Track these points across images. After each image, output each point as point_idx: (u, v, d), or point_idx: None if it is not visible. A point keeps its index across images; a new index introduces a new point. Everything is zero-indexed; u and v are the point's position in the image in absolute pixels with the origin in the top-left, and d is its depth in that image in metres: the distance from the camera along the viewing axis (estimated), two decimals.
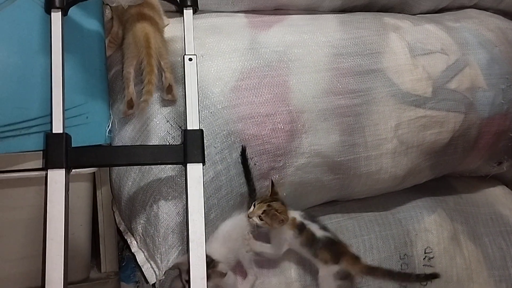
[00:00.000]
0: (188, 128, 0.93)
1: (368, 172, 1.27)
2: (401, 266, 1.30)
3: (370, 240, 1.30)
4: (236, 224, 1.10)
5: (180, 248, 0.96)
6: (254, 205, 1.08)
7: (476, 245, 1.44)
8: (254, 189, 1.11)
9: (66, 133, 0.89)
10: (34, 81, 0.96)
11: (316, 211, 1.33)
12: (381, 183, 1.32)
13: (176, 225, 0.97)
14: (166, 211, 0.97)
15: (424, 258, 1.34)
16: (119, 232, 1.12)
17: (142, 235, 0.98)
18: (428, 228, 1.38)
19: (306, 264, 1.21)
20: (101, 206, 1.11)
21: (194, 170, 0.91)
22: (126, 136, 1.02)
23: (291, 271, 1.19)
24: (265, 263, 1.17)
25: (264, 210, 1.06)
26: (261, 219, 1.06)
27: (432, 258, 1.35)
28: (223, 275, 1.02)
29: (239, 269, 1.12)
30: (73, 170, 0.94)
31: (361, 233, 1.31)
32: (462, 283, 1.36)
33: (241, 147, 1.08)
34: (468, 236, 1.45)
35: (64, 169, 0.86)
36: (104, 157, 0.90)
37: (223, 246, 1.06)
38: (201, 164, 0.91)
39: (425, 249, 1.34)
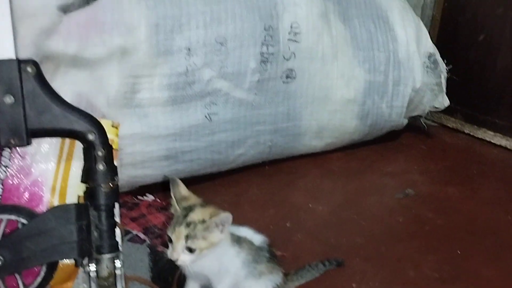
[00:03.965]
0: None
1: None
2: (265, 37, 1.23)
3: (234, 8, 1.19)
4: None
5: None
6: (171, 239, 0.73)
7: (346, 26, 1.40)
8: None
9: None
10: None
11: None
12: None
13: None
14: None
15: (289, 33, 1.27)
16: None
17: None
18: (297, 2, 1.29)
19: (162, 20, 1.08)
20: None
21: None
22: None
23: (141, 30, 1.06)
24: (100, 21, 1.02)
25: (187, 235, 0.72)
26: (191, 250, 0.71)
27: (299, 33, 1.29)
28: None
29: None
30: None
31: (224, 0, 1.19)
32: (326, 60, 1.34)
33: None
34: (338, 16, 1.40)
35: None
36: None
37: None
38: None
39: (292, 23, 1.27)
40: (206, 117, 1.17)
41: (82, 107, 0.90)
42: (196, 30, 1.14)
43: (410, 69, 1.49)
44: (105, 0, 1.05)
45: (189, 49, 1.12)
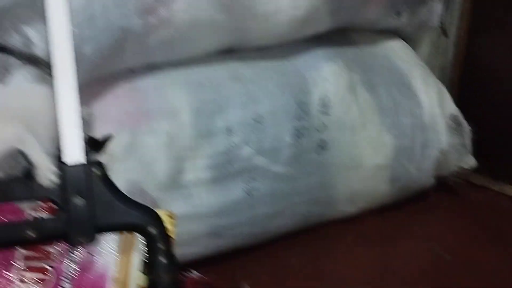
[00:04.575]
0: None
1: (265, 12, 1.19)
2: (298, 112, 1.29)
3: (268, 86, 1.26)
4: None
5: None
6: None
7: (371, 95, 1.46)
8: None
9: None
10: None
11: (211, 58, 1.25)
12: (279, 27, 1.26)
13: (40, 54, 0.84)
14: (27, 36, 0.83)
15: (320, 106, 1.33)
16: None
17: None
18: (326, 77, 1.36)
19: (203, 104, 1.15)
20: None
21: None
22: None
23: (184, 114, 1.12)
24: (148, 110, 1.09)
25: None
26: None
27: (329, 106, 1.35)
28: None
29: None
30: None
31: (258, 80, 1.26)
32: (356, 129, 1.39)
33: None
34: (364, 86, 1.46)
35: None
36: None
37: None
38: None
39: (322, 97, 1.34)
40: (246, 193, 1.21)
41: (134, 194, 0.96)
42: (234, 111, 1.20)
43: (436, 132, 1.53)
44: (150, 89, 1.13)
45: (228, 130, 1.18)
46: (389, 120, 1.47)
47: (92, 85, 1.05)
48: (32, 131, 0.76)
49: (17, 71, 0.84)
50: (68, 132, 0.78)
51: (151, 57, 1.12)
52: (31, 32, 0.84)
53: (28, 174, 0.86)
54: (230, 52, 1.29)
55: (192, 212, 1.14)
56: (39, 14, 0.83)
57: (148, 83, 1.13)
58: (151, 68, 1.15)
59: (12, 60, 0.84)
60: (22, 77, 0.83)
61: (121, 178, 1.03)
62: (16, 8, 0.84)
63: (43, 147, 0.77)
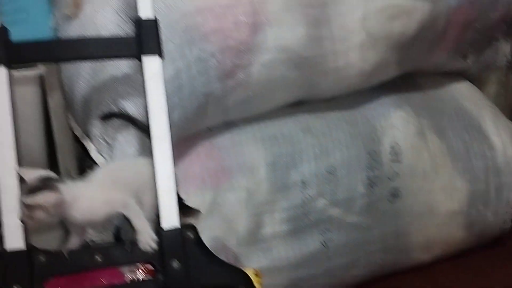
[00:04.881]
0: (141, 17, 0.84)
1: (336, 68, 1.23)
2: (369, 162, 1.30)
3: (339, 138, 1.28)
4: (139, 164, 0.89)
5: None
6: None
7: (441, 139, 1.45)
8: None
9: (3, 26, 0.79)
10: None
11: (283, 112, 1.29)
12: (349, 79, 1.28)
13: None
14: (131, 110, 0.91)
15: (391, 154, 1.34)
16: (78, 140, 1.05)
17: (100, 138, 0.92)
18: (394, 124, 1.37)
19: (277, 159, 1.18)
20: (54, 114, 1.03)
21: (151, 63, 0.83)
22: (71, 33, 0.93)
23: (261, 170, 1.16)
24: (227, 167, 1.14)
25: None
26: None
27: (399, 153, 1.35)
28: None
29: None
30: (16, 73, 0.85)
31: (330, 132, 1.29)
32: (427, 176, 1.38)
33: None
34: (433, 130, 1.46)
35: (4, 66, 0.77)
36: (49, 51, 0.81)
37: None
38: (158, 56, 0.84)
39: (393, 145, 1.34)
40: (322, 244, 1.23)
41: (217, 250, 0.99)
42: (308, 164, 1.23)
43: (511, 174, 1.49)
44: (228, 146, 1.18)
45: (303, 182, 1.21)
46: (461, 164, 1.45)
47: (175, 146, 1.11)
48: (135, 198, 0.82)
49: (119, 146, 0.91)
50: (165, 198, 0.83)
51: (229, 115, 1.17)
52: (129, 106, 0.92)
53: (119, 235, 0.92)
54: (299, 104, 1.33)
55: (271, 265, 1.16)
56: (135, 88, 0.91)
57: (226, 140, 1.18)
58: (228, 125, 1.20)
59: (113, 133, 0.91)
60: (125, 151, 0.90)
61: (205, 235, 1.07)
62: (115, 84, 0.93)
63: (144, 213, 0.82)
